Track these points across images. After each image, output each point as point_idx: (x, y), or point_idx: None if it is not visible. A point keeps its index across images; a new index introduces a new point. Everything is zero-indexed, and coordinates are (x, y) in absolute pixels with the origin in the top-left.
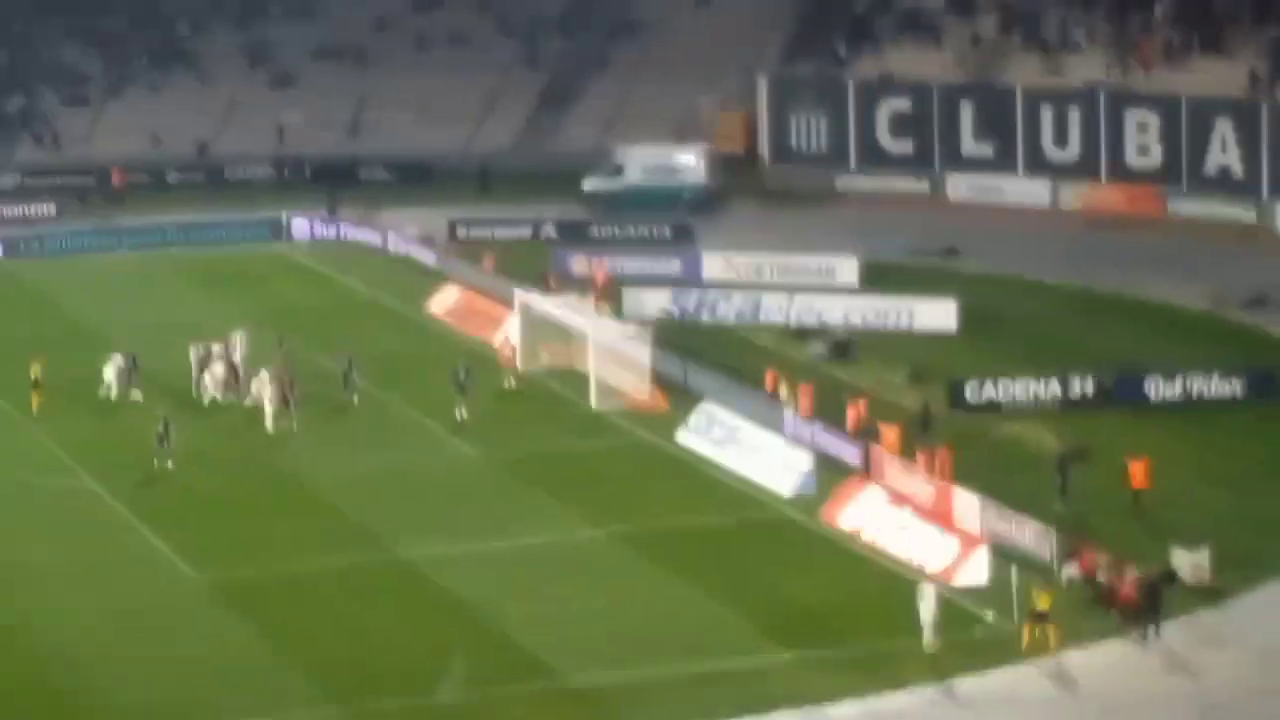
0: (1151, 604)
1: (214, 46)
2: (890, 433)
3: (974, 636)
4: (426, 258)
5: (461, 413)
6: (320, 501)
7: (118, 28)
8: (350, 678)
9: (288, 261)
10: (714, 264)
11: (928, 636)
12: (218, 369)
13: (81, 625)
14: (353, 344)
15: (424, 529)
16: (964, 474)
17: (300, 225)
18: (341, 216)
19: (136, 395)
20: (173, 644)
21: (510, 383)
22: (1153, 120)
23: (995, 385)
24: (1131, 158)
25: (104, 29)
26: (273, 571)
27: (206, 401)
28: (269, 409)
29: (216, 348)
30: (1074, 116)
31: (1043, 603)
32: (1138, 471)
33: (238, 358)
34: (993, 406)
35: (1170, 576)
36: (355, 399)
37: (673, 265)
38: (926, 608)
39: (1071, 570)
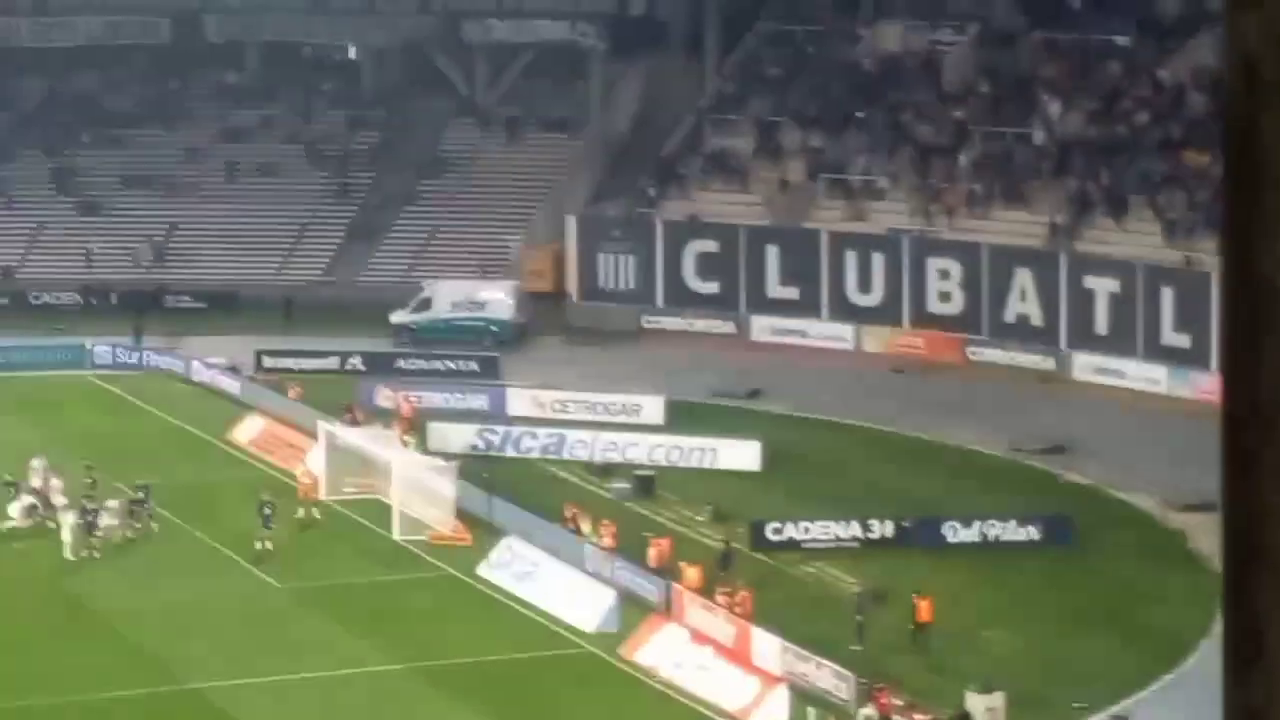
0: None
1: (21, 172)
2: (692, 571)
3: None
4: (231, 387)
5: (264, 544)
6: (114, 631)
7: None
8: None
9: (90, 388)
10: (520, 400)
11: None
12: (25, 499)
13: None
14: (154, 471)
15: (219, 659)
16: (764, 613)
17: (103, 352)
18: (146, 344)
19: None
20: None
21: (312, 514)
22: (955, 267)
23: (796, 525)
24: (933, 304)
25: None
26: (65, 701)
27: (5, 528)
28: (68, 537)
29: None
30: (878, 261)
31: None
32: (923, 607)
33: (36, 483)
34: (793, 545)
35: (964, 719)
36: (155, 527)
37: (479, 400)
38: None
39: (869, 711)
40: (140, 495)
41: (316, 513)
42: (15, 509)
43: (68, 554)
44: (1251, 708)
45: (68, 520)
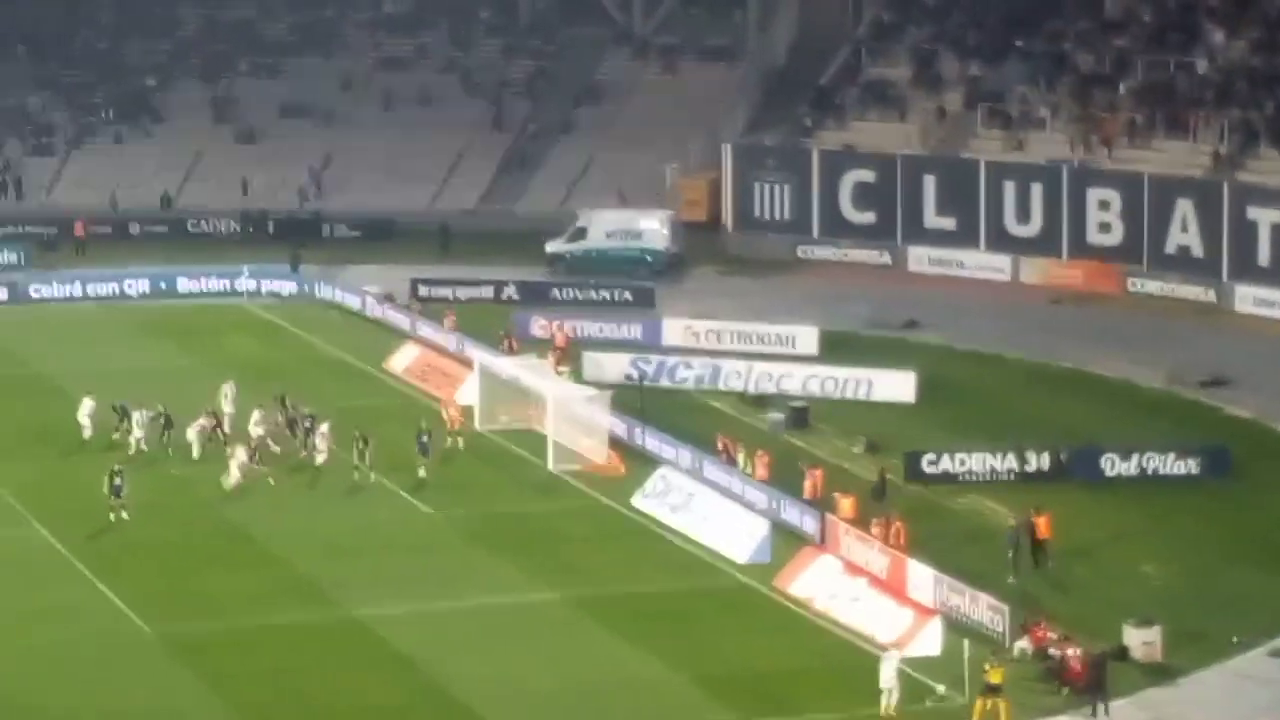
0: (1099, 680)
1: (179, 100)
2: (846, 502)
3: (925, 708)
4: (388, 315)
5: (422, 471)
6: (274, 556)
7: (84, 79)
8: None
9: (250, 316)
10: (674, 330)
11: (885, 702)
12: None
13: (29, 673)
14: (314, 400)
15: (376, 587)
16: (919, 545)
17: (263, 280)
18: (304, 273)
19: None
20: (120, 696)
21: (458, 444)
22: (1114, 198)
23: (952, 458)
24: (1093, 235)
25: (69, 80)
26: (222, 626)
27: (196, 454)
28: (234, 470)
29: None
30: (1036, 192)
31: (995, 676)
32: (1041, 524)
33: (228, 409)
34: (949, 478)
35: (1121, 653)
36: (317, 458)
37: (633, 330)
38: (887, 675)
39: (1023, 644)
40: (307, 423)
41: (461, 444)
42: (192, 433)
43: (228, 484)
44: None
45: (238, 454)
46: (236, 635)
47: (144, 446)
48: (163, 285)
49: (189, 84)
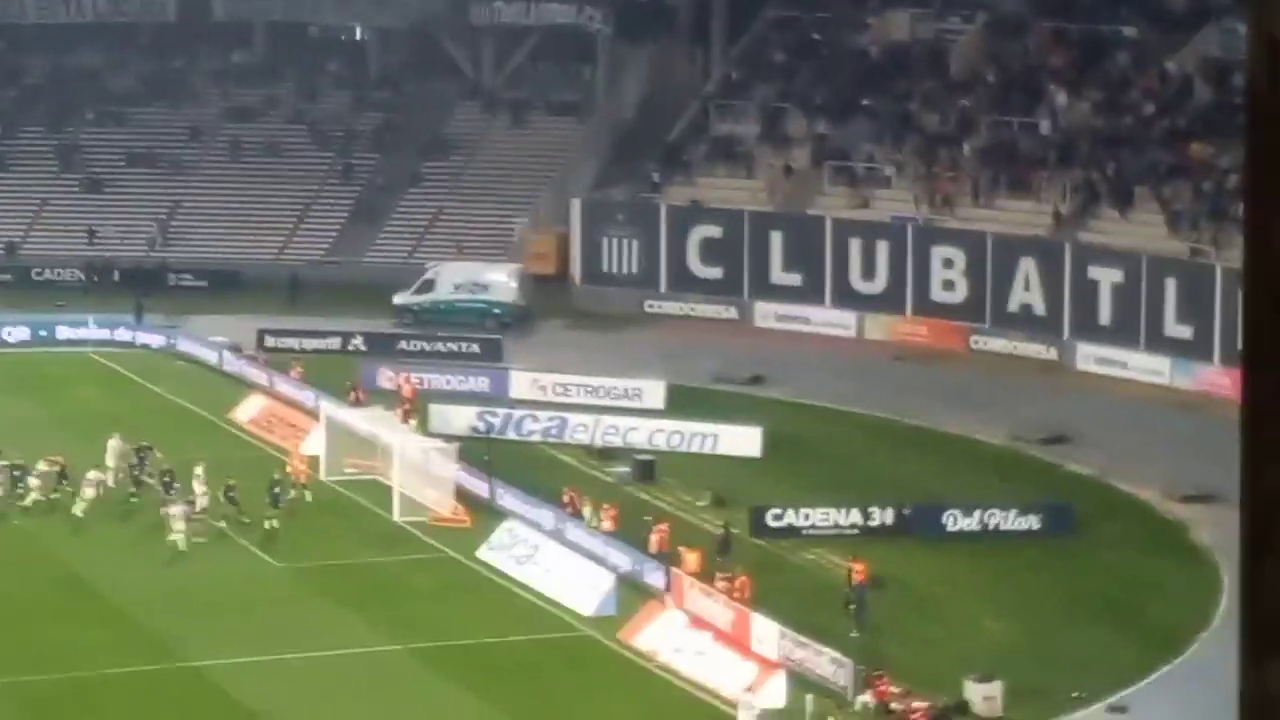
0: None
1: (24, 147)
2: (691, 556)
3: None
4: (233, 366)
5: (272, 523)
6: (114, 608)
7: None
8: None
9: (95, 366)
10: (522, 382)
11: None
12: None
13: None
14: (165, 451)
15: (219, 637)
16: (763, 600)
17: (104, 330)
18: (148, 322)
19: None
20: None
21: (304, 496)
22: (958, 256)
23: (796, 512)
24: (937, 292)
25: None
26: (63, 678)
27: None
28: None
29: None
30: (881, 249)
31: None
32: (858, 570)
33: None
34: (794, 532)
35: (962, 708)
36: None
37: (481, 382)
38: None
39: (866, 698)
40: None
41: (308, 495)
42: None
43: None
44: (1270, 696)
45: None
46: (75, 687)
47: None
48: (6, 336)
49: (34, 131)
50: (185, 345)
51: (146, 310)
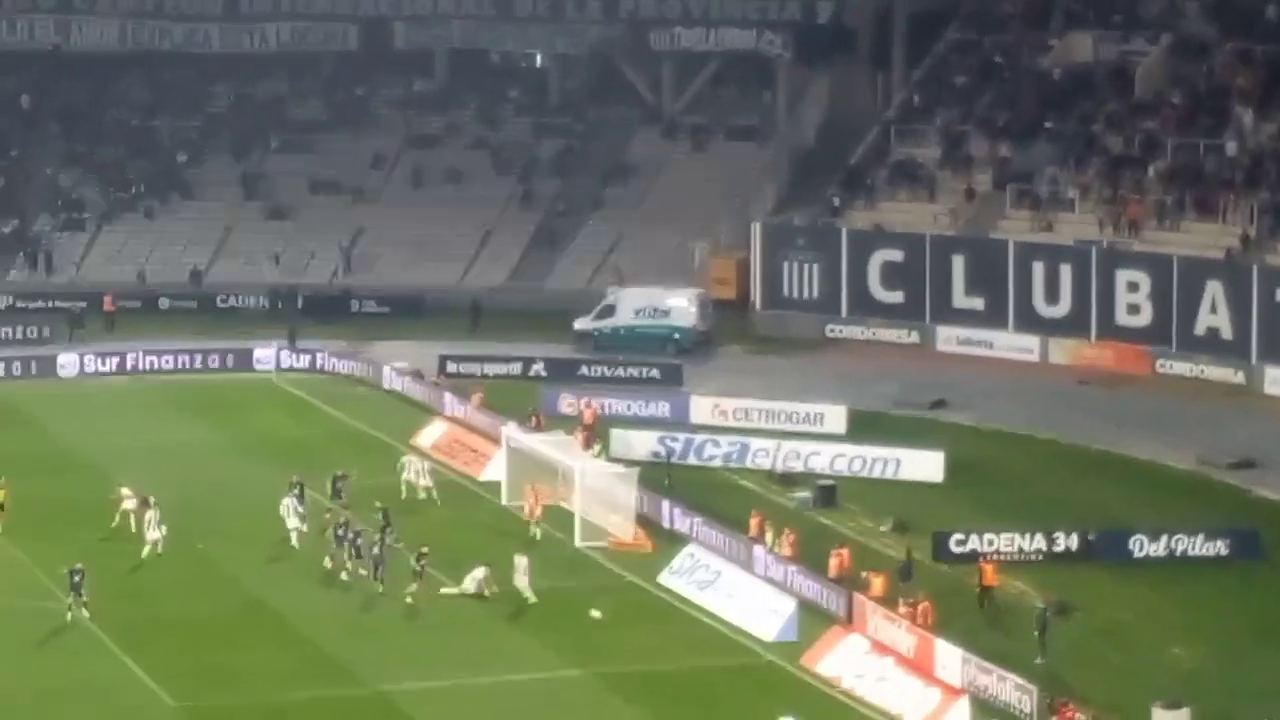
0: None
1: (210, 176)
2: (873, 581)
3: None
4: (416, 392)
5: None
6: (300, 632)
7: (114, 155)
8: None
9: (278, 391)
10: (702, 407)
11: None
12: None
13: None
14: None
15: (403, 663)
16: (946, 625)
17: (284, 356)
18: (301, 348)
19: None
20: None
21: (535, 533)
22: (1143, 279)
23: (979, 538)
24: (1121, 316)
25: (100, 156)
26: (250, 701)
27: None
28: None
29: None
30: (1065, 273)
31: None
32: (989, 571)
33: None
34: (977, 557)
35: None
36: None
37: (661, 407)
38: None
39: None
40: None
41: (538, 533)
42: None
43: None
44: None
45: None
46: (264, 712)
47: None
48: (193, 360)
49: (220, 160)
50: (368, 371)
51: (299, 336)
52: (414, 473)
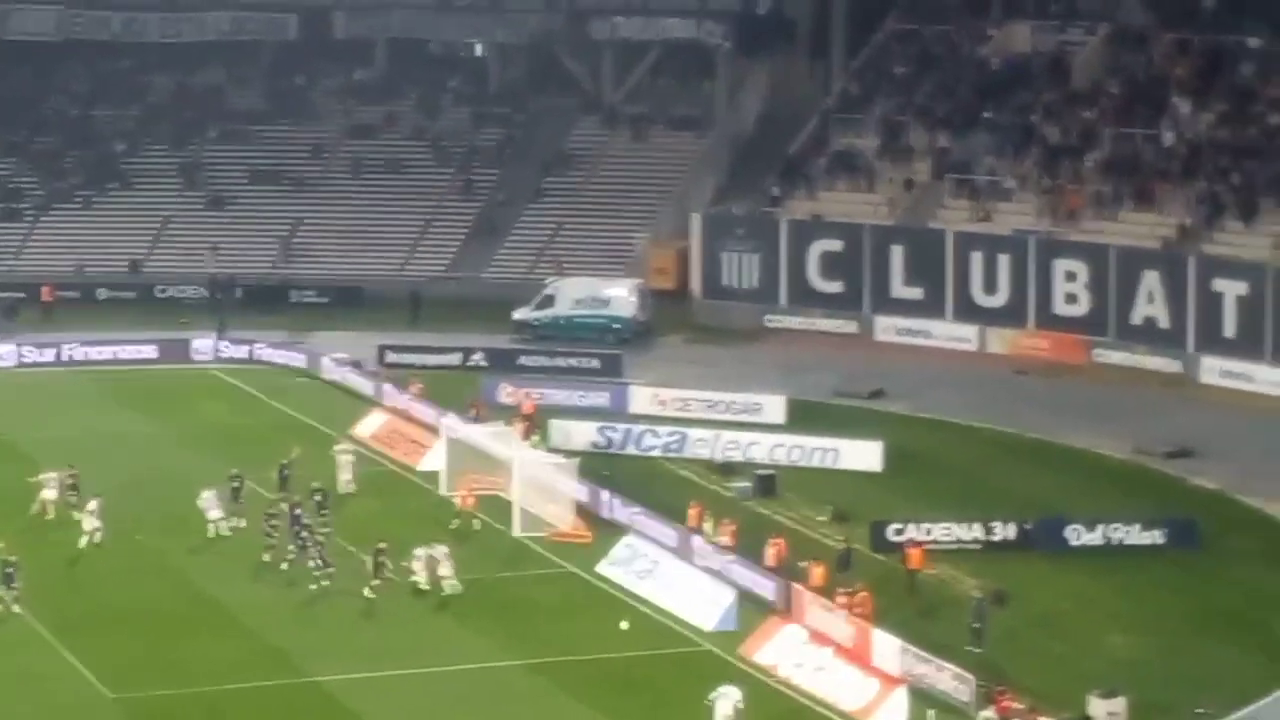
0: None
1: (149, 166)
2: (812, 571)
3: None
4: (355, 382)
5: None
6: (240, 623)
7: (52, 145)
8: None
9: (218, 382)
10: (642, 397)
11: None
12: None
13: None
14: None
15: (344, 654)
16: (884, 615)
17: (222, 346)
18: (238, 338)
19: (89, 520)
20: None
21: (472, 525)
22: (1081, 269)
23: (917, 527)
24: (1059, 305)
25: (38, 146)
26: (190, 693)
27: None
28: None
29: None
30: (1003, 263)
31: None
32: (914, 555)
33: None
34: (914, 548)
35: None
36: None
37: (601, 397)
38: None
39: (989, 714)
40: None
41: (476, 523)
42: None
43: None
44: None
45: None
46: (201, 702)
47: (49, 515)
48: (131, 351)
49: (158, 150)
50: (306, 361)
51: (228, 327)
52: (342, 461)
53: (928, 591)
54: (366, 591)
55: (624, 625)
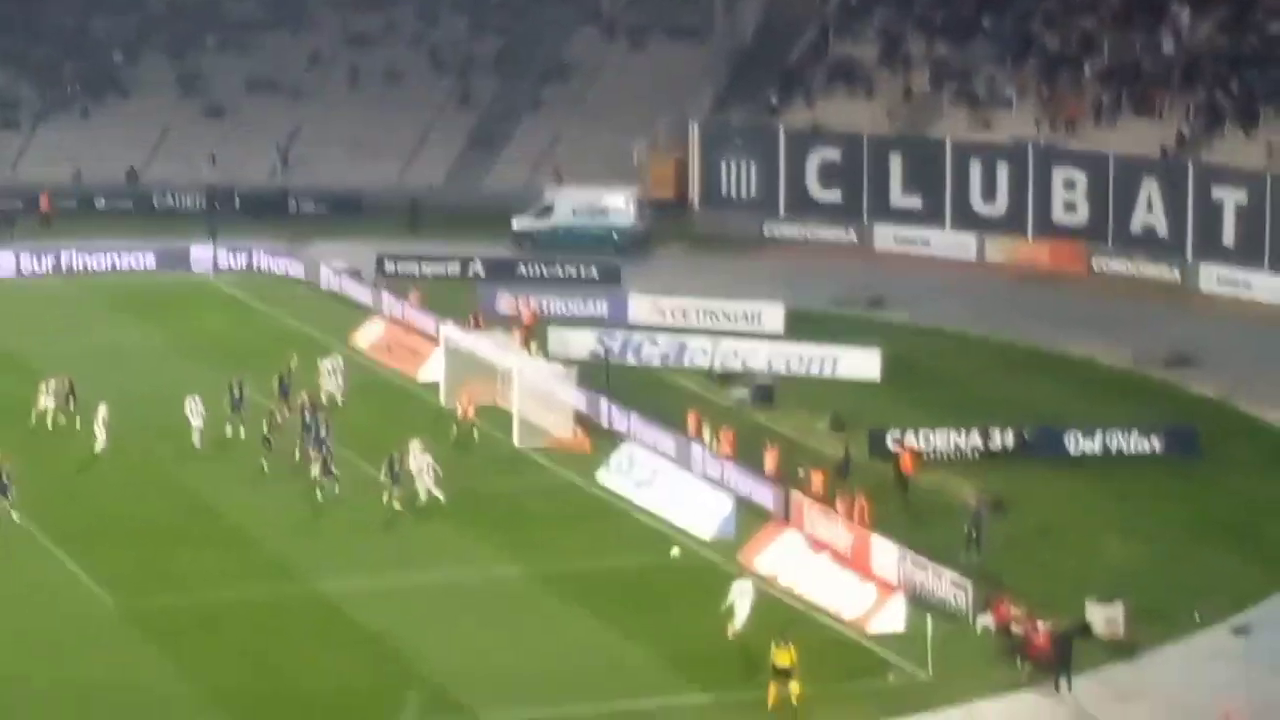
0: (1063, 657)
1: (146, 75)
2: (810, 479)
3: (888, 684)
4: (354, 292)
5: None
6: (240, 533)
7: (50, 54)
8: (261, 710)
9: (217, 292)
10: (641, 306)
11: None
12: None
13: None
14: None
15: (341, 563)
16: (883, 522)
17: (221, 256)
18: (236, 246)
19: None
20: (82, 670)
21: (472, 432)
22: (1080, 178)
23: (916, 434)
24: (1058, 214)
25: (35, 55)
26: (190, 601)
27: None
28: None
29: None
30: (1002, 171)
31: (782, 659)
32: (905, 458)
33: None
34: (906, 452)
35: (1084, 630)
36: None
37: (599, 306)
38: (743, 604)
39: (986, 620)
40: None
41: (476, 433)
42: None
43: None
44: None
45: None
46: (202, 610)
47: (49, 423)
48: (130, 261)
49: (156, 59)
50: (305, 270)
51: (218, 232)
52: (326, 372)
53: (926, 499)
54: (395, 504)
55: (675, 552)
